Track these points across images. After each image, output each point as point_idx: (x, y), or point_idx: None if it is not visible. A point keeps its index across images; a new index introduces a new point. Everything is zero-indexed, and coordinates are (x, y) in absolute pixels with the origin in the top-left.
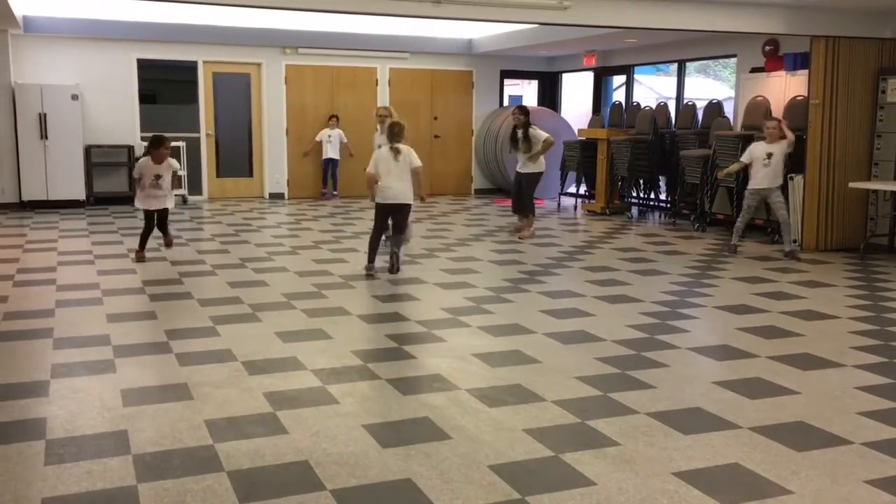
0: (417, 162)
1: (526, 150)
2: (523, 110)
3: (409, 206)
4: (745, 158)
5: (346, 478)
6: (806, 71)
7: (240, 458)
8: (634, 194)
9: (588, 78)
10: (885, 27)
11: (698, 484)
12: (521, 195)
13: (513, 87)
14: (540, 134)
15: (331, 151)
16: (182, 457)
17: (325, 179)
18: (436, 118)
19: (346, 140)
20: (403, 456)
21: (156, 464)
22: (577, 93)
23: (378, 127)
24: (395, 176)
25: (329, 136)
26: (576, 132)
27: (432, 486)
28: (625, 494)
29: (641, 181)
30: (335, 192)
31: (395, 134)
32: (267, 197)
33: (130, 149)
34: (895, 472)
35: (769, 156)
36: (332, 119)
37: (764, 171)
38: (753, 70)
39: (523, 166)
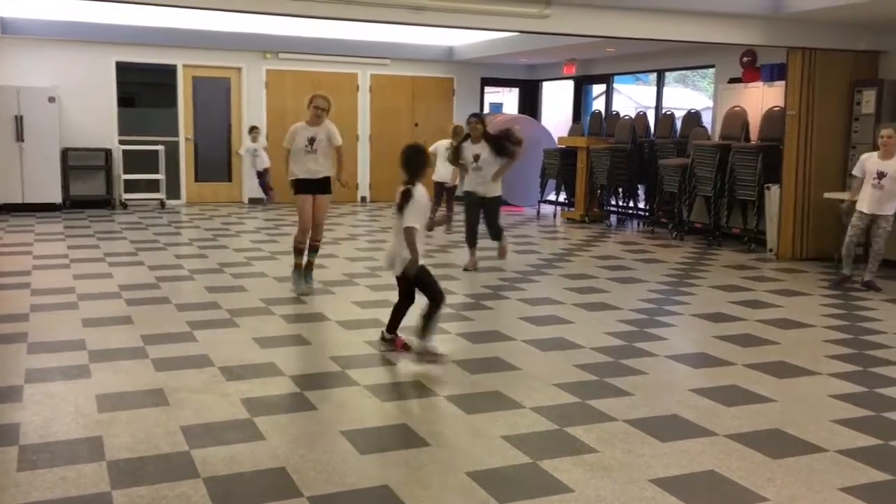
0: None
1: (479, 162)
2: (479, 118)
3: (453, 187)
4: (856, 172)
5: (324, 484)
6: (783, 82)
7: (216, 465)
8: (613, 202)
9: (568, 86)
10: (860, 39)
11: (675, 491)
12: (480, 222)
13: (493, 95)
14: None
15: (259, 164)
16: (157, 463)
17: (265, 188)
18: (416, 125)
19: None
20: (381, 462)
21: (130, 470)
22: (557, 101)
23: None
24: (448, 165)
25: (255, 151)
26: (556, 140)
27: (410, 492)
28: (602, 501)
29: (620, 189)
30: (270, 195)
31: (458, 135)
32: (246, 202)
33: (108, 152)
34: (869, 479)
35: (881, 175)
36: (255, 130)
37: (870, 192)
38: (731, 80)
39: (481, 187)
